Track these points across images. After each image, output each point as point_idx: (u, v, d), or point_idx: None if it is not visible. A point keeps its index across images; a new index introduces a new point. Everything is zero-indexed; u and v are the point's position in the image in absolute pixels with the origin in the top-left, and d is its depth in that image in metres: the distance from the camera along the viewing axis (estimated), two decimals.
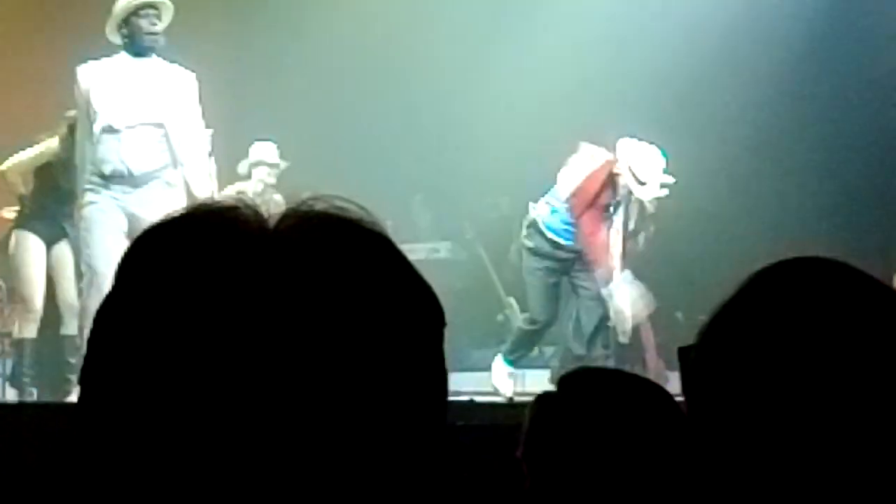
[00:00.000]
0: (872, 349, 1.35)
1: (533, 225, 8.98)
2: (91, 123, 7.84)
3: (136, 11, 7.92)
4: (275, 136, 10.35)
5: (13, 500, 5.52)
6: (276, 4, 12.36)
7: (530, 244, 8.99)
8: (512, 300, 11.04)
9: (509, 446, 2.59)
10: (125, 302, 1.00)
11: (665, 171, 8.93)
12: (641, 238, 10.25)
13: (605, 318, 9.04)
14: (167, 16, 8.04)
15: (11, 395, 9.50)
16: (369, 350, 0.97)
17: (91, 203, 7.87)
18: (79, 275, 8.62)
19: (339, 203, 1.03)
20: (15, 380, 9.44)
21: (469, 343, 10.55)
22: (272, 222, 1.01)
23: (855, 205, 11.26)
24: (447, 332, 1.04)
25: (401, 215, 10.13)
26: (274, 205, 1.03)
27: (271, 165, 10.07)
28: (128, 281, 1.01)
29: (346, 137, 11.72)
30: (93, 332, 1.02)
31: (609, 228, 8.96)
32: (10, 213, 9.70)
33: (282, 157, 10.18)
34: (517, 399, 8.37)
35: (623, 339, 9.68)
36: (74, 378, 9.06)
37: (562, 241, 8.91)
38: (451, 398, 1.05)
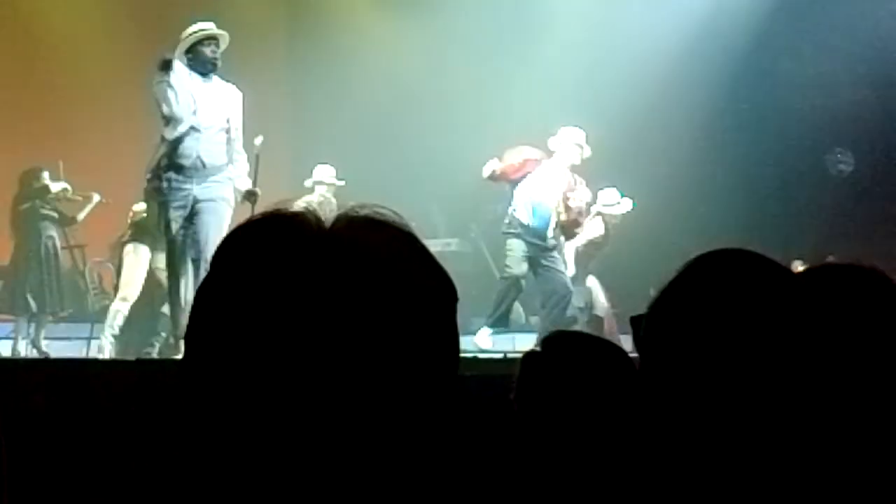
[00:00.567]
0: (776, 312, 1.36)
1: (513, 221, 8.96)
2: (176, 123, 7.51)
3: (200, 41, 7.70)
4: (330, 158, 10.33)
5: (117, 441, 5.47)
6: (320, 51, 12.29)
7: (513, 228, 8.96)
8: None
9: (505, 391, 2.59)
10: (218, 284, 1.01)
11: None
12: (600, 250, 10.25)
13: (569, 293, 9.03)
14: (224, 43, 7.79)
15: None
16: (403, 315, 0.98)
17: (167, 195, 7.54)
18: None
19: (377, 209, 1.04)
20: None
21: (473, 314, 10.56)
22: (328, 224, 1.02)
23: (765, 210, 11.26)
24: (457, 306, 1.05)
25: (422, 218, 10.10)
26: (329, 211, 1.04)
27: (329, 184, 10.05)
28: (220, 268, 1.02)
29: (382, 160, 11.71)
30: (193, 308, 1.02)
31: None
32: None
33: (338, 177, 10.16)
34: (510, 356, 8.36)
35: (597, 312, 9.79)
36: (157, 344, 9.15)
37: (538, 230, 8.89)
38: (461, 355, 1.05)
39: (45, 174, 10.45)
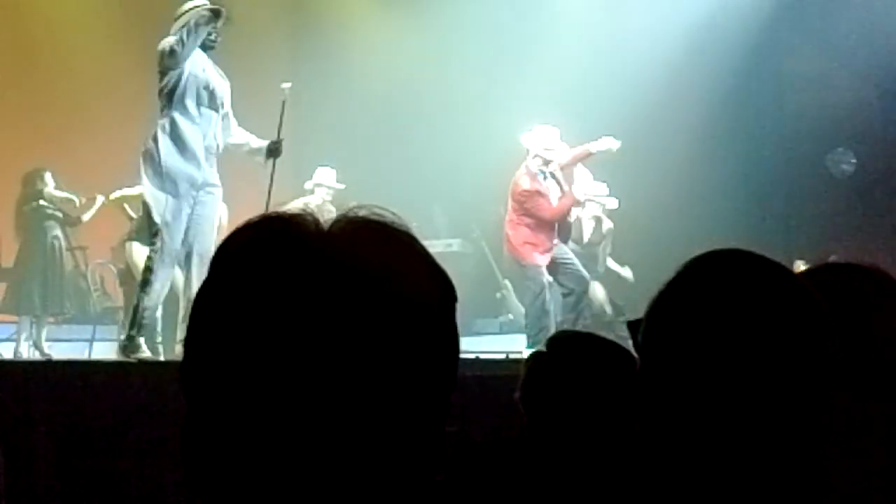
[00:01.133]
0: (773, 313, 1.36)
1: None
2: (187, 102, 7.25)
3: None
4: (332, 157, 10.32)
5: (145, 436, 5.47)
6: (323, 50, 12.28)
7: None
8: (507, 282, 11.05)
9: (505, 392, 2.59)
10: (217, 287, 1.01)
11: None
12: (601, 251, 10.24)
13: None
14: (222, 21, 7.42)
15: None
16: (402, 316, 0.98)
17: (177, 177, 7.22)
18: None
19: (376, 210, 1.04)
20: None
21: (475, 314, 10.56)
22: (327, 225, 1.02)
23: (767, 209, 11.26)
24: (458, 306, 1.05)
25: (424, 219, 10.14)
26: (327, 213, 1.03)
27: (329, 188, 10.05)
28: (219, 271, 1.01)
29: (383, 160, 11.72)
30: (193, 310, 1.02)
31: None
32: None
33: (339, 178, 10.15)
34: (512, 356, 8.35)
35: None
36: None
37: None
38: (461, 356, 1.05)
39: (49, 175, 10.46)
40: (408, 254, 1.02)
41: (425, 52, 11.78)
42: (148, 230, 7.48)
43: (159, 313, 7.60)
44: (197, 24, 7.23)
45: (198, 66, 7.36)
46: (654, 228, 10.35)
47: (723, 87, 11.22)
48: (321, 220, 1.02)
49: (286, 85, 8.00)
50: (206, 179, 7.32)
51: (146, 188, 7.37)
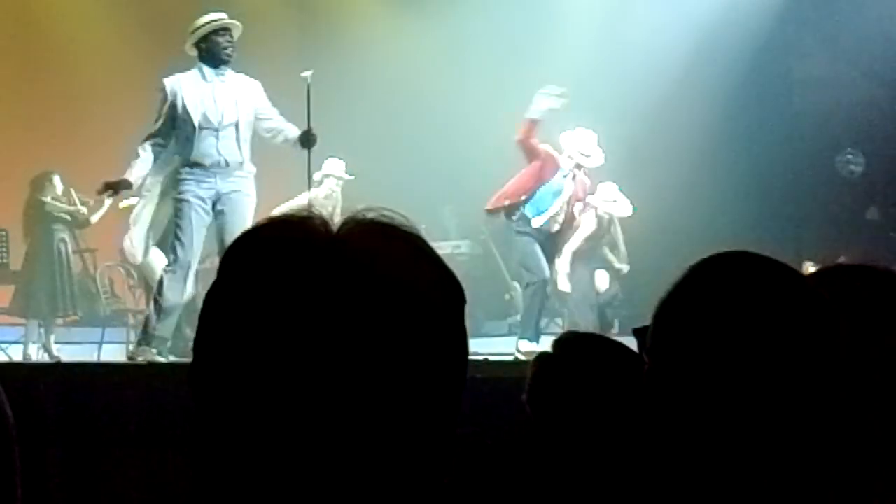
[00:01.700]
0: (782, 315, 1.36)
1: (520, 217, 8.95)
2: (187, 125, 7.36)
3: (214, 31, 7.52)
4: (341, 154, 10.33)
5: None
6: (331, 50, 12.28)
7: (522, 229, 8.94)
8: (515, 284, 11.04)
9: (514, 394, 2.59)
10: (227, 290, 1.01)
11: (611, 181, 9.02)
12: (608, 227, 10.25)
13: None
14: (237, 33, 7.62)
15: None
16: (410, 319, 0.98)
17: (187, 194, 7.36)
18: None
19: (385, 212, 1.04)
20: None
21: (484, 316, 10.56)
22: (335, 228, 1.02)
23: (776, 211, 11.24)
24: (467, 308, 1.04)
25: (433, 220, 10.14)
26: (334, 205, 1.03)
27: (338, 178, 10.05)
28: (228, 274, 1.01)
29: (393, 161, 11.72)
30: (202, 313, 1.02)
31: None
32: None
33: (348, 171, 10.17)
34: (520, 359, 8.35)
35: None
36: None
37: (532, 218, 8.89)
38: (470, 358, 1.05)
39: (57, 178, 10.48)
40: (416, 256, 1.02)
41: (434, 52, 11.78)
42: (163, 245, 7.67)
43: (171, 324, 7.62)
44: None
45: (195, 89, 7.47)
46: (663, 229, 10.34)
47: (731, 88, 11.20)
48: (329, 221, 1.02)
49: (307, 73, 8.08)
50: (219, 191, 7.40)
51: (153, 204, 7.54)
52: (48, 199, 10.37)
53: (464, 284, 1.05)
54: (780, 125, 11.53)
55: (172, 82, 7.51)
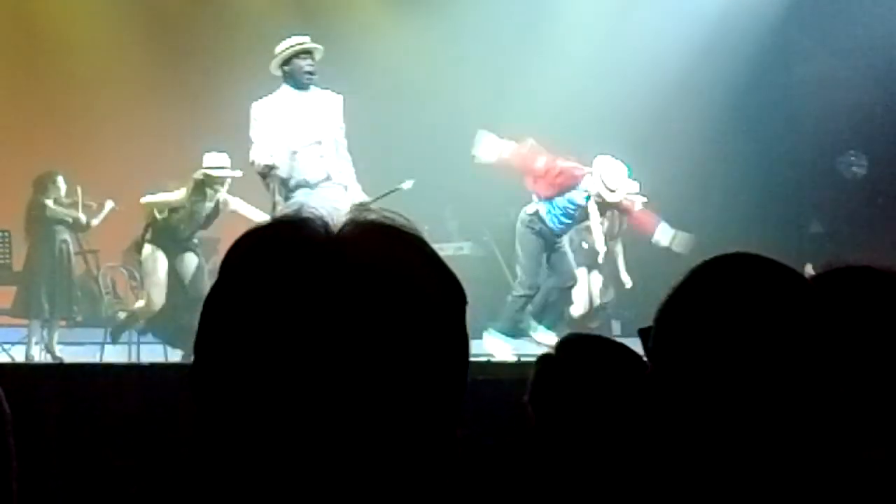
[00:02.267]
0: (782, 316, 1.36)
1: (535, 214, 8.91)
2: (279, 145, 7.68)
3: (296, 54, 7.85)
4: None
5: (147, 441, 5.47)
6: (333, 53, 12.28)
7: (535, 227, 8.90)
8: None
9: (516, 394, 2.59)
10: (227, 291, 1.00)
11: (629, 178, 8.92)
12: (617, 230, 10.25)
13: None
14: (319, 55, 7.95)
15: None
16: (412, 320, 0.98)
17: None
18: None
19: (386, 213, 1.03)
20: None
21: (486, 318, 10.54)
22: (336, 229, 1.01)
23: (778, 212, 11.24)
24: (468, 310, 1.04)
25: (435, 222, 10.14)
26: (338, 216, 1.03)
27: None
28: (228, 275, 1.01)
29: (395, 163, 11.71)
30: (202, 314, 1.02)
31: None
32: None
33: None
34: (523, 359, 8.35)
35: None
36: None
37: (554, 228, 8.88)
38: (472, 359, 1.05)
39: (60, 179, 10.48)
40: (418, 257, 1.02)
41: (435, 53, 11.77)
42: None
43: None
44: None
45: (281, 110, 7.79)
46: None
47: (732, 90, 11.19)
48: (329, 223, 1.01)
49: (407, 185, 8.54)
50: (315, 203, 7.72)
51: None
52: (51, 200, 10.37)
53: (465, 286, 1.05)
54: (782, 127, 11.53)
55: (260, 107, 7.83)
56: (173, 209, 9.22)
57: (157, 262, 9.29)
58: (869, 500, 1.41)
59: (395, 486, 0.96)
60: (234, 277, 1.01)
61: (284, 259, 0.99)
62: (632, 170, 9.33)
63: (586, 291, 10.11)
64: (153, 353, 9.51)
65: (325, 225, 1.01)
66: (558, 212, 8.85)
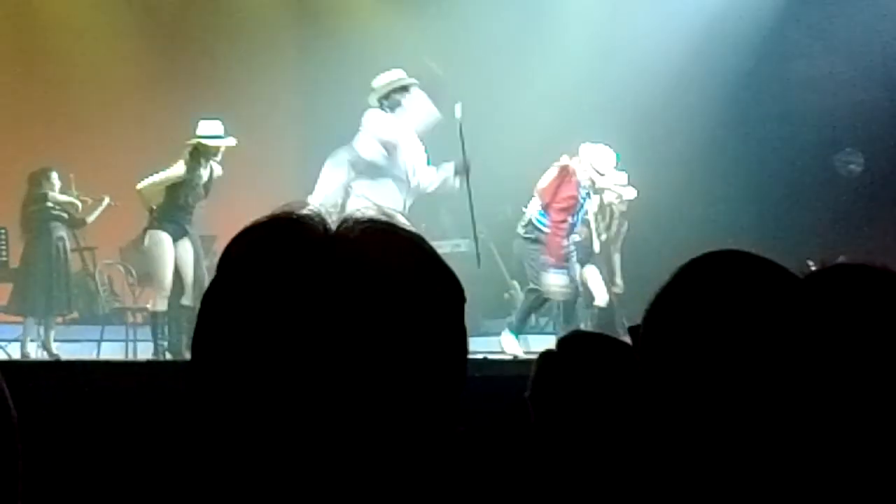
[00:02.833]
0: (769, 312, 1.36)
1: (529, 222, 9.00)
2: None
3: (395, 89, 8.56)
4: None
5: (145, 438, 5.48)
6: (331, 51, 12.28)
7: (530, 236, 9.00)
8: (515, 283, 11.03)
9: (514, 392, 2.59)
10: (224, 288, 1.00)
11: (617, 167, 9.05)
12: (615, 231, 10.27)
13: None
14: (415, 88, 8.62)
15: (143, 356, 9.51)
16: (410, 317, 0.98)
17: None
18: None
19: (384, 210, 1.03)
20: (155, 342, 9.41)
21: (483, 315, 10.55)
22: (334, 226, 1.01)
23: (775, 210, 11.24)
24: (466, 307, 1.04)
25: (432, 219, 10.13)
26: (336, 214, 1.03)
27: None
28: (226, 272, 1.01)
29: None
30: (200, 311, 1.02)
31: (574, 223, 8.92)
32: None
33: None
34: (521, 357, 8.36)
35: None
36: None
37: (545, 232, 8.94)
38: (469, 356, 1.05)
39: (55, 175, 10.47)
40: (415, 254, 1.02)
41: (432, 52, 11.75)
42: None
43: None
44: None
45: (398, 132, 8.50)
46: (661, 230, 10.33)
47: (729, 88, 11.19)
48: (327, 219, 1.01)
49: (459, 109, 8.80)
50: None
51: None
52: (46, 196, 10.36)
53: (463, 283, 1.05)
54: (779, 124, 11.53)
55: (395, 125, 8.52)
56: (171, 187, 9.20)
57: (163, 247, 9.27)
58: (862, 498, 1.41)
59: (394, 482, 0.96)
60: (233, 273, 1.01)
61: (283, 255, 0.99)
62: (629, 167, 9.34)
63: (600, 281, 10.10)
64: (150, 349, 9.49)
65: (324, 222, 1.01)
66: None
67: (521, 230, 9.11)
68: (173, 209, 9.24)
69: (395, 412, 0.96)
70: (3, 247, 10.54)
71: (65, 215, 10.47)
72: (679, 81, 10.90)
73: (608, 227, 10.27)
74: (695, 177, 10.94)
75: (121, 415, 5.64)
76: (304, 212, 1.02)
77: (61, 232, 10.44)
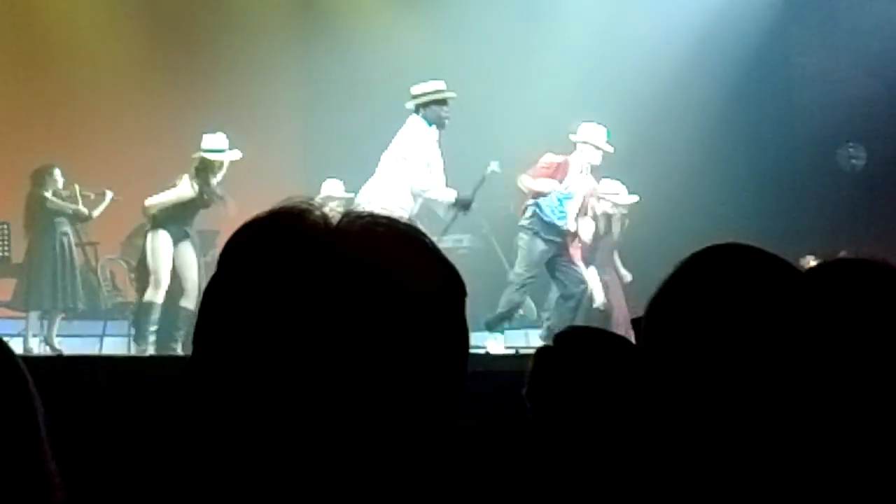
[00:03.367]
0: (772, 306, 1.36)
1: (535, 213, 8.98)
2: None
3: (435, 101, 8.76)
4: (342, 156, 10.35)
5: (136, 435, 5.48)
6: (333, 51, 12.27)
7: (533, 226, 8.98)
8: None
9: (514, 387, 2.59)
10: (225, 282, 1.00)
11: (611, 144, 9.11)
12: (616, 227, 10.27)
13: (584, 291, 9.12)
14: (452, 100, 8.82)
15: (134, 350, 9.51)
16: (411, 311, 0.98)
17: None
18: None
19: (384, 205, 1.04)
20: (139, 338, 9.41)
21: (485, 310, 10.54)
22: (335, 221, 1.01)
23: (777, 205, 11.24)
24: (468, 302, 1.04)
25: (434, 215, 10.12)
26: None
27: (339, 199, 10.09)
28: (227, 266, 1.01)
29: None
30: (202, 304, 1.02)
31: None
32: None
33: (349, 183, 10.20)
34: (522, 352, 8.36)
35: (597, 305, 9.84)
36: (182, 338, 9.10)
37: (556, 222, 8.92)
38: (471, 351, 1.05)
39: (58, 172, 10.47)
40: (416, 249, 1.01)
41: (433, 49, 11.75)
42: None
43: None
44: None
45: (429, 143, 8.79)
46: (664, 225, 10.33)
47: (731, 84, 11.19)
48: (329, 216, 1.01)
49: (496, 166, 9.19)
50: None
51: None
52: (49, 192, 10.36)
53: (465, 278, 1.05)
54: (781, 120, 11.53)
55: (421, 138, 8.85)
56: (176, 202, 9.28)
57: (162, 242, 9.28)
58: (862, 497, 1.41)
59: (394, 478, 0.96)
60: (234, 268, 1.00)
61: (284, 251, 0.98)
62: (630, 164, 9.35)
63: (599, 283, 10.12)
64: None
65: (325, 217, 1.01)
66: (555, 203, 8.89)
67: (524, 222, 9.10)
68: (175, 213, 9.29)
69: (396, 407, 0.96)
70: (6, 242, 10.55)
71: (69, 211, 10.48)
72: (680, 78, 10.90)
73: (608, 230, 10.28)
74: (696, 173, 10.94)
75: (123, 410, 5.65)
76: (306, 206, 1.02)
77: (66, 227, 10.44)
